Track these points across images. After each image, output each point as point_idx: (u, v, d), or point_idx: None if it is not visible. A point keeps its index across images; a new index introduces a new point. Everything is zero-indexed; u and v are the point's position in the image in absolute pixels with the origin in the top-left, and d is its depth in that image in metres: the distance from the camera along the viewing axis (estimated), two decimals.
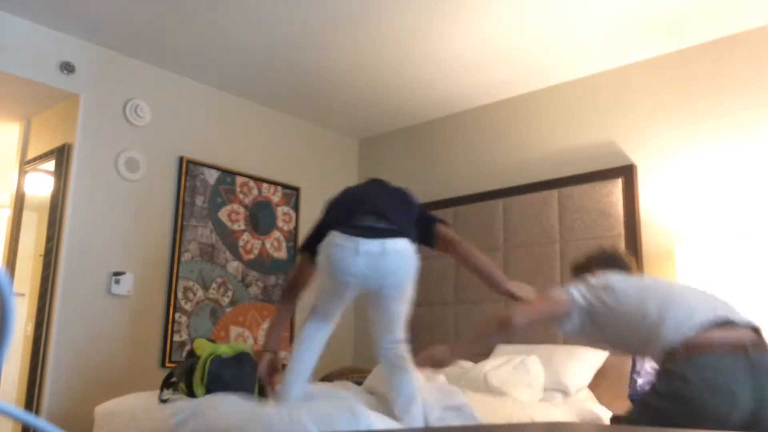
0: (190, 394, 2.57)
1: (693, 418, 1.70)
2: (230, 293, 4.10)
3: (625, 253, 2.42)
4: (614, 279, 2.03)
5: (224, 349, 2.63)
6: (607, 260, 2.32)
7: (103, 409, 2.82)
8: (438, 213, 4.41)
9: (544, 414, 2.84)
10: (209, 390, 2.51)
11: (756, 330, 1.83)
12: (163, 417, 2.49)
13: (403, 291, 2.30)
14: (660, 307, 1.87)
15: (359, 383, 3.38)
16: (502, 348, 3.77)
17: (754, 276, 2.94)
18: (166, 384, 2.69)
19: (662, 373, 1.82)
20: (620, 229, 3.56)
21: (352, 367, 3.89)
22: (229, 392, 2.47)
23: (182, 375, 2.63)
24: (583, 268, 2.35)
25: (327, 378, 3.83)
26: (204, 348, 2.66)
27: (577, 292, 2.05)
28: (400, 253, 2.24)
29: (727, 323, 1.80)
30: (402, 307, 2.34)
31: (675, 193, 3.47)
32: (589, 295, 2.03)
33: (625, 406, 3.31)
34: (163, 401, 2.54)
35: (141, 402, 2.67)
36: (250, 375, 2.59)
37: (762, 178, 3.20)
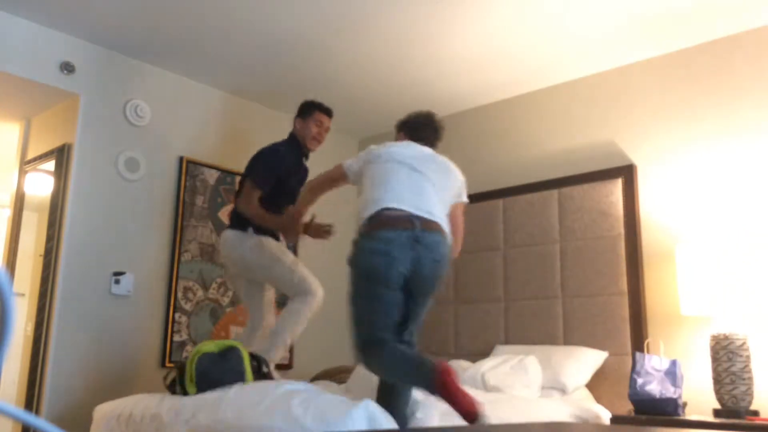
0: (184, 392, 2.60)
1: (367, 275, 2.29)
2: (230, 293, 4.10)
3: (433, 125, 2.79)
4: (382, 155, 2.53)
5: (208, 347, 2.67)
6: (411, 128, 2.77)
7: (101, 409, 2.83)
8: None
9: (544, 413, 2.84)
10: (200, 387, 2.54)
11: (431, 221, 2.34)
12: (162, 417, 2.50)
13: (242, 267, 3.25)
14: (371, 191, 2.42)
15: (343, 383, 3.39)
16: (500, 348, 3.78)
17: (754, 276, 2.94)
18: (170, 385, 2.72)
19: (352, 245, 2.39)
20: (620, 229, 3.56)
21: (342, 367, 3.87)
22: (219, 388, 2.49)
23: (177, 374, 2.68)
24: (398, 127, 2.84)
25: (317, 378, 3.81)
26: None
27: (351, 163, 2.65)
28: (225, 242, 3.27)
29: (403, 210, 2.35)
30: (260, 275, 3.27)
31: (675, 193, 3.47)
32: (357, 166, 2.61)
33: (625, 406, 3.31)
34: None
35: (139, 403, 2.68)
36: (237, 368, 2.62)
37: (762, 178, 3.20)
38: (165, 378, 2.80)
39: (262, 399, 2.24)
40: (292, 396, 2.22)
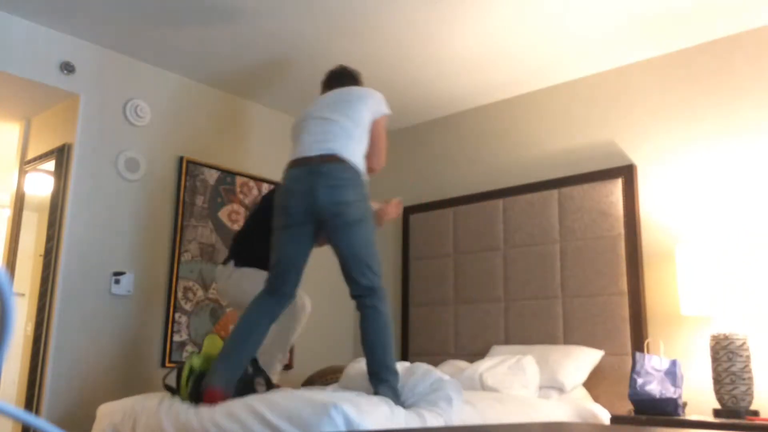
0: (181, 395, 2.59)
1: (278, 209, 2.62)
2: None
3: (344, 72, 3.06)
4: (299, 119, 2.80)
5: (197, 363, 2.57)
6: (326, 82, 3.07)
7: (104, 409, 2.83)
8: (438, 213, 4.43)
9: (543, 413, 2.84)
10: (192, 399, 2.50)
11: (330, 155, 2.58)
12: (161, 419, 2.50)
13: (228, 299, 3.34)
14: (292, 148, 2.73)
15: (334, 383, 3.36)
16: (498, 348, 3.78)
17: (754, 276, 2.94)
18: (170, 387, 2.70)
19: None
20: (620, 229, 3.57)
21: (331, 368, 3.84)
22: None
23: (176, 378, 2.65)
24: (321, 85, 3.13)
25: (307, 383, 3.77)
26: (207, 347, 2.67)
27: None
28: None
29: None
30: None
31: (675, 193, 3.47)
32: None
33: (625, 406, 3.31)
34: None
35: (141, 402, 2.68)
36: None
37: (762, 178, 3.20)
38: (164, 379, 2.79)
39: (244, 405, 2.25)
40: (268, 399, 2.22)
